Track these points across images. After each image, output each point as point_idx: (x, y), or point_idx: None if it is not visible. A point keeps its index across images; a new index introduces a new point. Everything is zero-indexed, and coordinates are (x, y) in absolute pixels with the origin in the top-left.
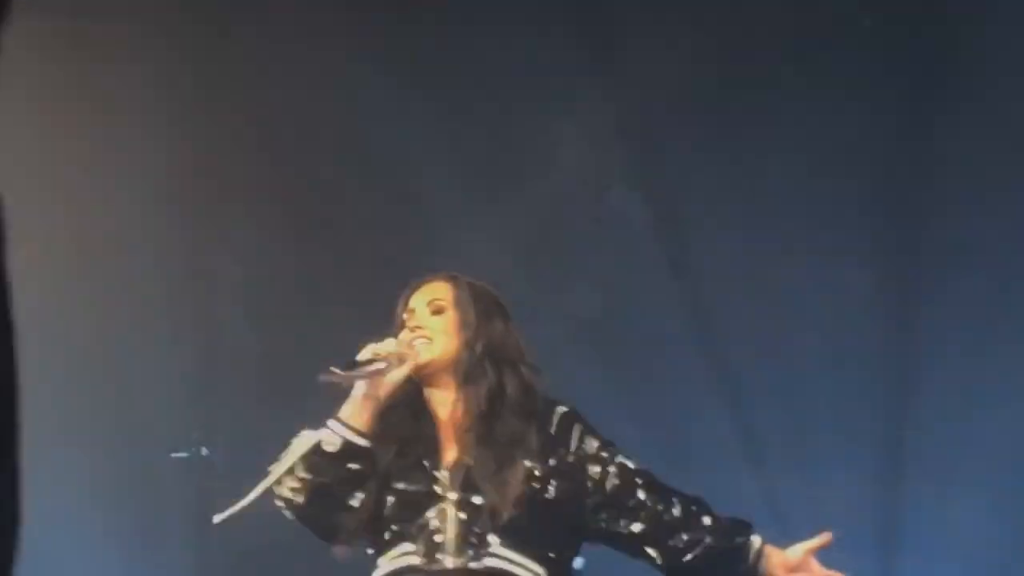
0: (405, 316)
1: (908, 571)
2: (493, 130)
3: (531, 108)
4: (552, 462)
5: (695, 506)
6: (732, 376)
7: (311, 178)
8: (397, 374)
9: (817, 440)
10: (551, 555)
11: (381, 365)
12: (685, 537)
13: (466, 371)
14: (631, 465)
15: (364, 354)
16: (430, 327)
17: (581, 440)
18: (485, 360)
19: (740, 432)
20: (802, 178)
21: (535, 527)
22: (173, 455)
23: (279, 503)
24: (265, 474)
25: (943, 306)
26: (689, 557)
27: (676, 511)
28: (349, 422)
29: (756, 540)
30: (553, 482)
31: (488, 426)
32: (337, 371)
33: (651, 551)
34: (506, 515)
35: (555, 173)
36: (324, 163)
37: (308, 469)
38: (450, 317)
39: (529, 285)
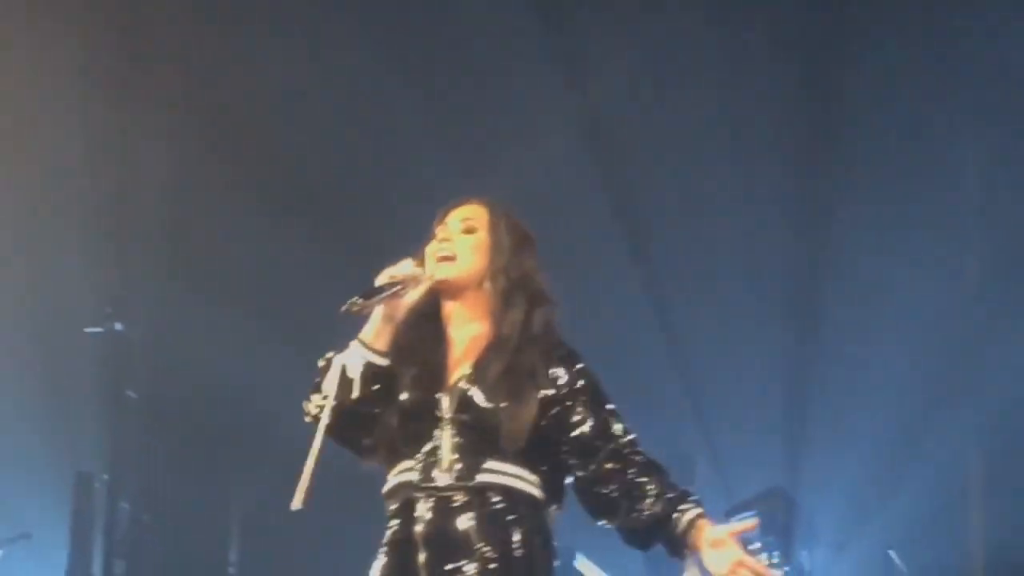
0: (438, 230)
1: (811, 462)
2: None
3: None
4: (551, 392)
5: (656, 472)
6: (660, 286)
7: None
8: (414, 295)
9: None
10: (543, 468)
11: (399, 288)
12: (642, 501)
13: (501, 296)
14: (614, 424)
15: (381, 278)
16: (458, 243)
17: (576, 379)
18: (518, 290)
19: (666, 336)
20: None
21: (531, 447)
22: (87, 330)
23: (307, 419)
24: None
25: (850, 207)
26: (641, 518)
27: (638, 475)
28: (372, 344)
29: (693, 512)
30: (552, 411)
31: (509, 355)
32: (358, 300)
33: (614, 513)
34: (513, 441)
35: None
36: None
37: (336, 390)
38: (481, 238)
39: None
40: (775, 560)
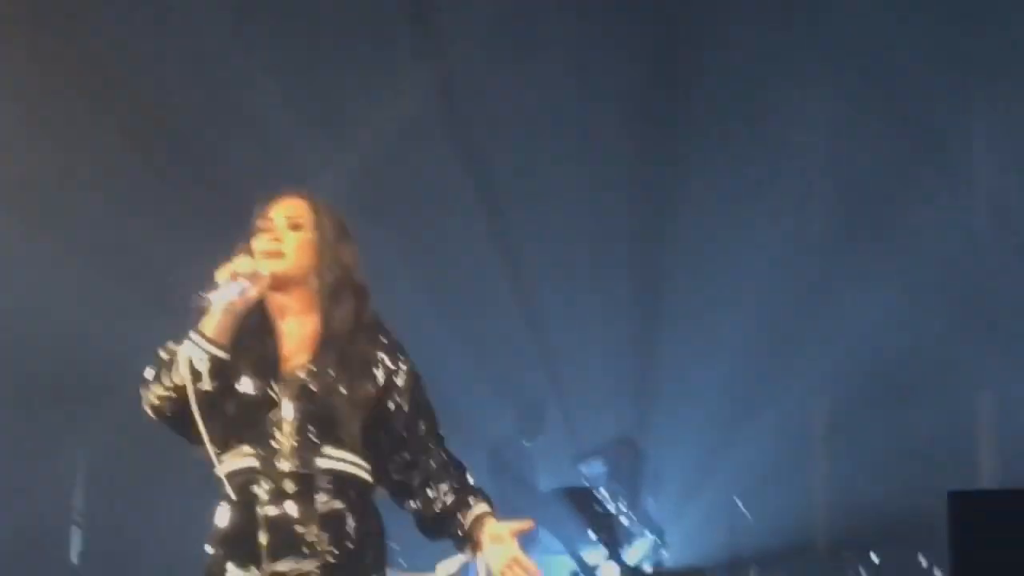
0: (263, 225)
1: (658, 411)
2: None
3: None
4: (380, 384)
5: (454, 470)
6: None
7: None
8: (253, 291)
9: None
10: (371, 454)
11: (243, 284)
12: (436, 493)
13: (329, 290)
14: (423, 423)
15: (222, 274)
16: (285, 239)
17: (400, 375)
18: (343, 284)
19: (515, 288)
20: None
21: (361, 434)
22: None
23: (148, 409)
24: None
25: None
26: (433, 509)
27: (438, 470)
28: (215, 339)
29: (479, 509)
30: (378, 402)
31: (342, 347)
32: (205, 295)
33: (412, 500)
34: (348, 430)
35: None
36: None
37: (177, 379)
38: (306, 235)
39: None
40: (622, 508)
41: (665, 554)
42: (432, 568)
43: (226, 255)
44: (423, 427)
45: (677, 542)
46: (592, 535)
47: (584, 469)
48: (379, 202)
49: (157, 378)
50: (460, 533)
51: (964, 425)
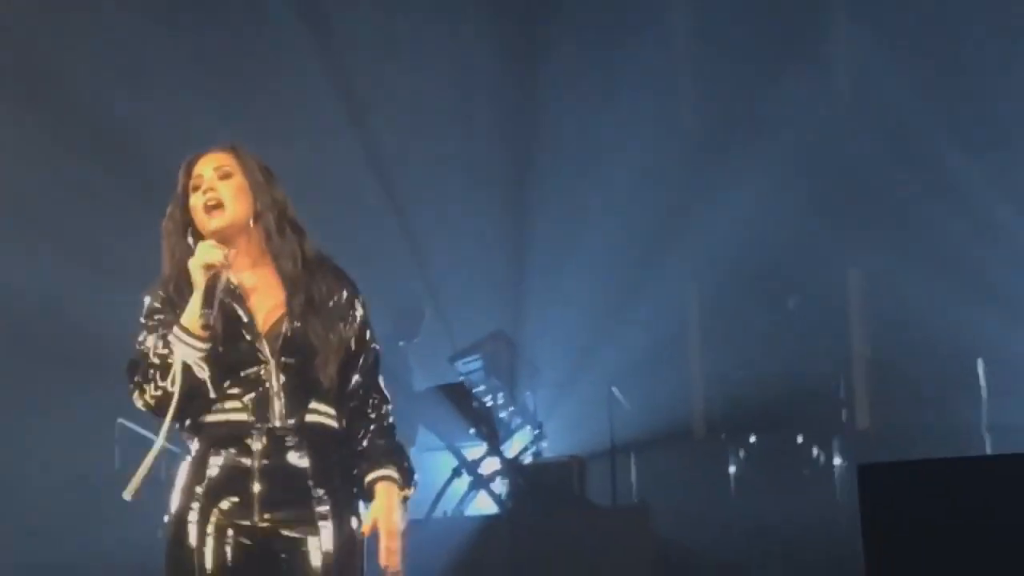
0: (192, 183)
1: (533, 305)
2: None
3: None
4: (336, 309)
5: (387, 419)
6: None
7: None
8: (226, 274)
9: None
10: (339, 405)
11: (224, 275)
12: (365, 438)
13: (273, 231)
14: (374, 350)
15: (196, 271)
16: (220, 190)
17: (358, 316)
18: (283, 221)
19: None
20: None
21: (332, 376)
22: None
23: (140, 406)
24: None
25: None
26: (357, 462)
27: (372, 416)
28: (200, 333)
29: (378, 474)
30: (341, 330)
31: (303, 285)
32: (210, 312)
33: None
34: (328, 372)
35: None
36: None
37: (170, 380)
38: (239, 182)
39: None
40: (500, 402)
41: (544, 445)
42: None
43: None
44: (371, 360)
45: (556, 433)
46: (471, 430)
47: (461, 366)
48: (256, 117)
49: (152, 379)
50: (362, 488)
51: (835, 306)
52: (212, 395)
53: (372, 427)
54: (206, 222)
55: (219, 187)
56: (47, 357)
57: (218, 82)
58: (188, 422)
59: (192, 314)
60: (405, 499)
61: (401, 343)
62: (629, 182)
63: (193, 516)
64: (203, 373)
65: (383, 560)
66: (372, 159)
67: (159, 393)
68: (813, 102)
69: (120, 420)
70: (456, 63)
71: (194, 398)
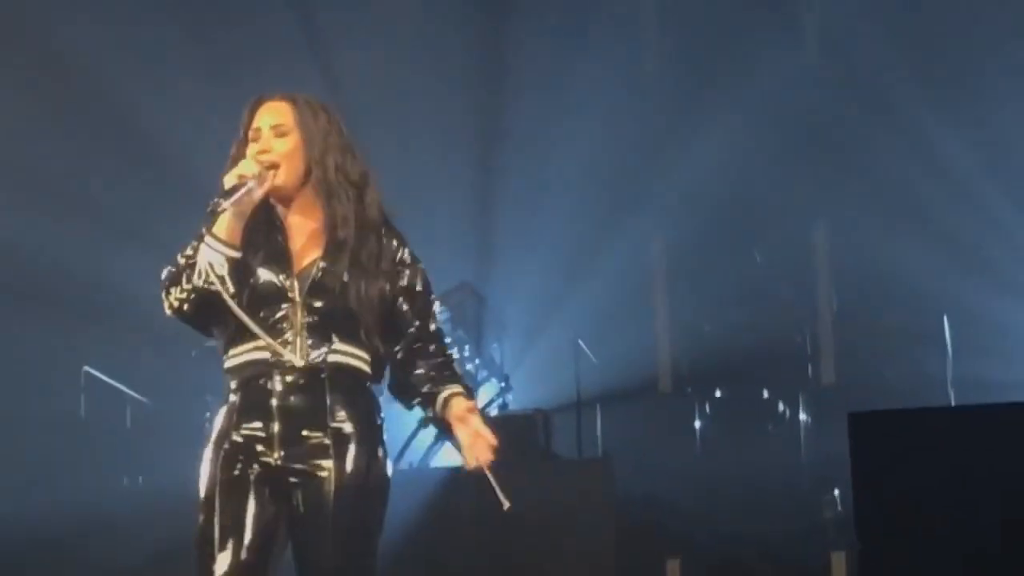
0: (251, 134)
1: (499, 256)
2: None
3: None
4: (385, 268)
5: (443, 354)
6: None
7: None
8: (259, 192)
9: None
10: (374, 348)
11: (250, 185)
12: (420, 371)
13: (328, 188)
14: (427, 296)
15: (229, 179)
16: (275, 149)
17: (410, 273)
18: (341, 177)
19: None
20: None
21: (368, 324)
22: None
23: (168, 311)
24: None
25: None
26: (412, 383)
27: (431, 347)
28: (229, 240)
29: (448, 390)
30: (384, 287)
31: (349, 241)
32: (220, 200)
33: (399, 372)
34: (359, 323)
35: None
36: None
37: (199, 282)
38: (295, 139)
39: None
40: (466, 354)
41: (510, 398)
42: None
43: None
44: (425, 322)
45: (522, 386)
46: None
47: None
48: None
49: (176, 282)
50: (432, 412)
51: (802, 257)
52: (235, 323)
53: (436, 360)
54: (264, 175)
55: (274, 146)
56: (17, 302)
57: (203, 55)
58: (216, 346)
59: (220, 222)
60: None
61: None
62: (596, 133)
63: (219, 453)
64: (222, 270)
65: (484, 454)
66: (339, 102)
67: (183, 295)
68: (781, 54)
69: (86, 368)
70: (424, 9)
71: (216, 307)
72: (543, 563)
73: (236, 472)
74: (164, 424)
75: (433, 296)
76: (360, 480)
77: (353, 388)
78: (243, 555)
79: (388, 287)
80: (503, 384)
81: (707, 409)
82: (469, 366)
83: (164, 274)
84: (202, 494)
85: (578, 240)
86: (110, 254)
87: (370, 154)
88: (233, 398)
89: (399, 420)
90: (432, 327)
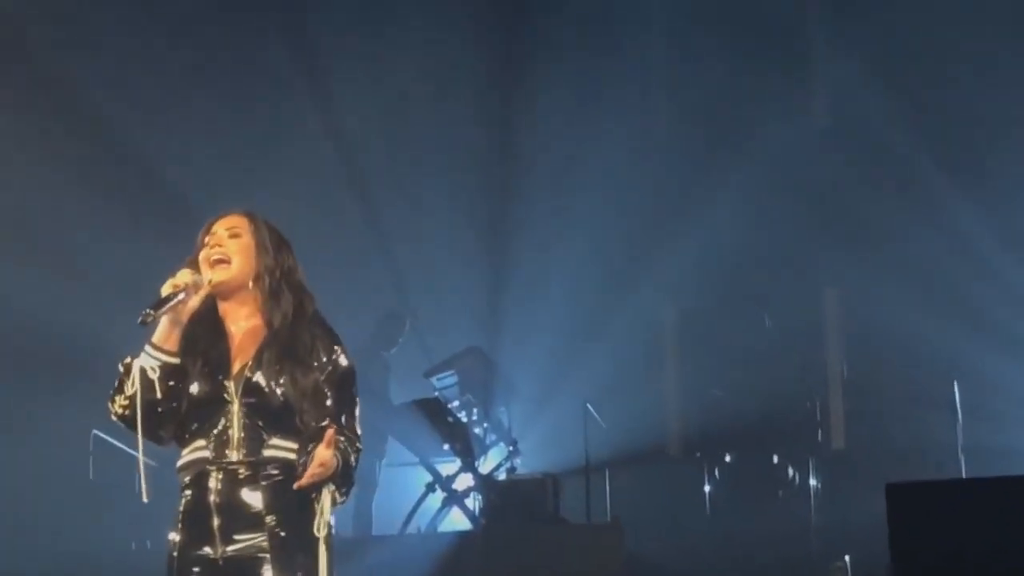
0: (207, 240)
1: (509, 321)
2: None
3: None
4: (320, 373)
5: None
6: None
7: None
8: (195, 300)
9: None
10: (300, 437)
11: (182, 295)
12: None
13: (271, 292)
14: (351, 393)
15: (166, 289)
16: (228, 247)
17: (334, 368)
18: (284, 285)
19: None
20: None
21: (302, 411)
22: None
23: (113, 418)
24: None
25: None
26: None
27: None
28: (164, 346)
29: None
30: (318, 377)
31: (283, 341)
32: (150, 311)
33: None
34: (290, 415)
35: None
36: None
37: (138, 391)
38: (247, 242)
39: None
40: (475, 417)
41: (519, 462)
42: None
43: (175, 266)
44: (344, 419)
45: (530, 450)
46: (446, 446)
47: (436, 381)
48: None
49: (120, 389)
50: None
51: (812, 323)
52: (180, 424)
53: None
54: (210, 274)
55: (228, 244)
56: (29, 366)
57: (206, 91)
58: (173, 448)
59: (158, 330)
60: (333, 501)
61: (382, 353)
62: (606, 200)
63: (171, 550)
64: (154, 375)
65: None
66: (352, 174)
67: (125, 403)
68: (790, 122)
69: (95, 431)
70: (438, 64)
71: (157, 414)
72: None
73: (186, 569)
74: (173, 488)
75: (355, 394)
76: (298, 569)
77: (287, 480)
78: None
79: (321, 378)
80: (511, 448)
81: (717, 474)
82: (477, 430)
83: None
84: None
85: (588, 304)
86: (121, 316)
87: (385, 217)
88: (183, 493)
89: (406, 487)
90: (350, 423)
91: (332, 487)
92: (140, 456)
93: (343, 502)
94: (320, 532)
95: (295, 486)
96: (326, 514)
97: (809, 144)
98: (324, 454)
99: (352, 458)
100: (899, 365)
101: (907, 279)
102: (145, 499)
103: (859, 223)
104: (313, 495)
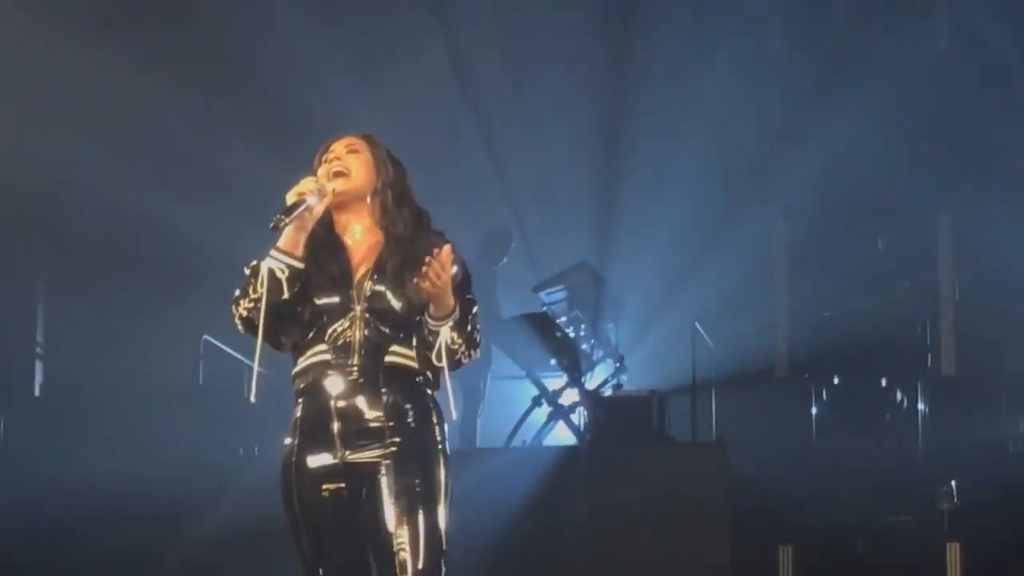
0: (325, 157)
1: (619, 238)
2: None
3: None
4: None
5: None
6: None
7: None
8: (320, 207)
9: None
10: (421, 348)
11: (311, 201)
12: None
13: (389, 206)
14: (470, 302)
15: (291, 197)
16: (347, 161)
17: (451, 262)
18: (403, 202)
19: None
20: None
21: (418, 327)
22: None
23: (237, 323)
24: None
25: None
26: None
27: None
28: (290, 251)
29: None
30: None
31: (403, 251)
32: (282, 216)
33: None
34: (414, 321)
35: None
36: None
37: (264, 293)
38: (365, 157)
39: None
40: (582, 333)
41: (625, 379)
42: None
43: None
44: (467, 316)
45: (637, 367)
46: (553, 361)
47: (544, 296)
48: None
49: (244, 292)
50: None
51: (926, 246)
52: (301, 330)
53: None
54: (330, 185)
55: (346, 158)
56: (146, 271)
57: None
58: (289, 352)
59: (283, 235)
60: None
61: (490, 267)
62: (722, 117)
63: (289, 455)
64: (282, 275)
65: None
66: (466, 87)
67: (251, 304)
68: (911, 45)
69: (206, 337)
70: (554, 8)
71: (280, 317)
72: (655, 542)
73: (305, 472)
74: (281, 395)
75: (469, 296)
76: (417, 470)
77: (406, 387)
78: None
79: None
80: (618, 364)
81: (824, 396)
82: (585, 345)
83: (235, 291)
84: (284, 510)
85: (699, 224)
86: (238, 228)
87: (497, 130)
88: (300, 399)
89: (512, 400)
90: (472, 320)
91: (448, 327)
92: (257, 357)
93: (462, 353)
94: (440, 363)
95: (414, 281)
96: (448, 347)
97: (929, 66)
98: (444, 272)
99: (476, 335)
100: (1012, 292)
101: (1022, 206)
102: (253, 399)
103: (977, 148)
104: (431, 337)
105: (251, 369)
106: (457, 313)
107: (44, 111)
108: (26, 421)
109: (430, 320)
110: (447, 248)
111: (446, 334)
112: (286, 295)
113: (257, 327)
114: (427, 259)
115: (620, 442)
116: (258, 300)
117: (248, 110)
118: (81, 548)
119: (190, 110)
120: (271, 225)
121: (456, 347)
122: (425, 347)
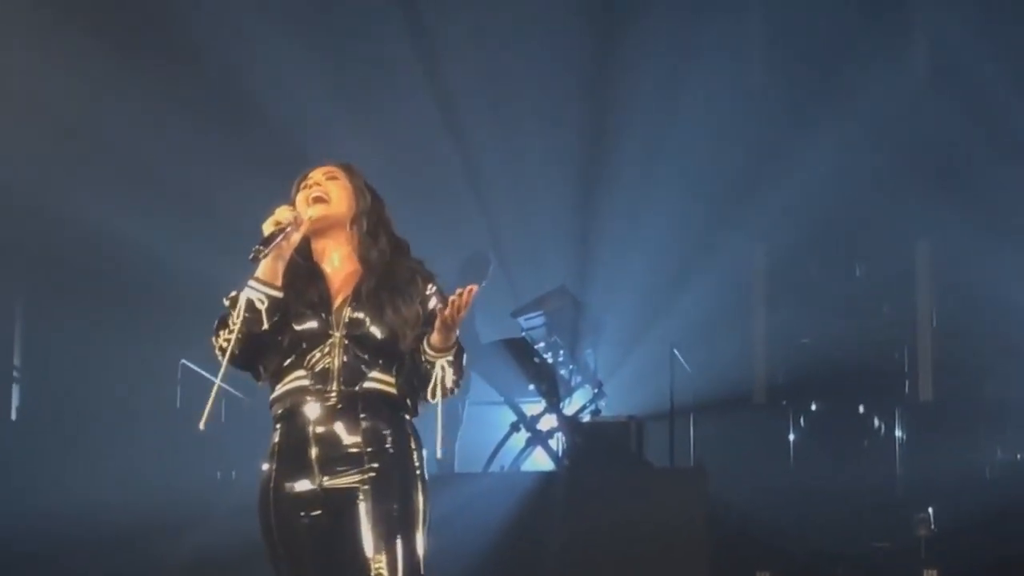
0: (303, 184)
1: (598, 263)
2: None
3: None
4: (419, 302)
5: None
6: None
7: None
8: (297, 235)
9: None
10: (404, 374)
11: (287, 230)
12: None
13: (367, 234)
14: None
15: (268, 227)
16: (326, 187)
17: (430, 302)
18: (380, 229)
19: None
20: None
21: (399, 356)
22: None
23: (217, 353)
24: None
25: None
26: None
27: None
28: (271, 281)
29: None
30: (418, 310)
31: (385, 273)
32: (260, 247)
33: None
34: (394, 347)
35: None
36: None
37: (243, 323)
38: (343, 184)
39: None
40: (561, 359)
41: (603, 404)
42: None
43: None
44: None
45: (616, 393)
46: (531, 386)
47: (523, 321)
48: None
49: (223, 323)
50: (428, 349)
51: (903, 273)
52: (280, 356)
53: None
54: (309, 211)
55: (326, 184)
56: (124, 295)
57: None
58: (267, 382)
59: (261, 265)
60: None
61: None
62: (701, 142)
63: (267, 480)
64: (262, 306)
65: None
66: (445, 112)
67: (229, 336)
68: (890, 71)
69: (183, 361)
70: (535, 18)
71: (261, 347)
72: (633, 568)
73: (283, 498)
74: (258, 420)
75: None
76: (396, 498)
77: (383, 411)
78: None
79: (421, 311)
80: (596, 390)
81: (802, 422)
82: (563, 371)
83: (215, 323)
84: (262, 536)
85: (678, 249)
86: (217, 251)
87: (475, 152)
88: (278, 425)
89: (490, 426)
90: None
91: (447, 360)
92: (216, 388)
93: (454, 382)
94: (434, 399)
95: (440, 319)
96: (443, 383)
97: (908, 93)
98: (465, 309)
99: (463, 366)
100: (990, 318)
101: (1001, 232)
102: (202, 427)
103: (955, 174)
104: (428, 365)
105: (228, 393)
106: (456, 347)
107: (22, 134)
108: (2, 445)
109: (429, 350)
110: (473, 287)
111: (442, 367)
112: (265, 325)
113: (235, 356)
114: (457, 291)
115: (598, 468)
116: (236, 332)
117: (229, 137)
118: (57, 573)
119: (171, 136)
120: (250, 257)
121: (451, 383)
122: (416, 376)
